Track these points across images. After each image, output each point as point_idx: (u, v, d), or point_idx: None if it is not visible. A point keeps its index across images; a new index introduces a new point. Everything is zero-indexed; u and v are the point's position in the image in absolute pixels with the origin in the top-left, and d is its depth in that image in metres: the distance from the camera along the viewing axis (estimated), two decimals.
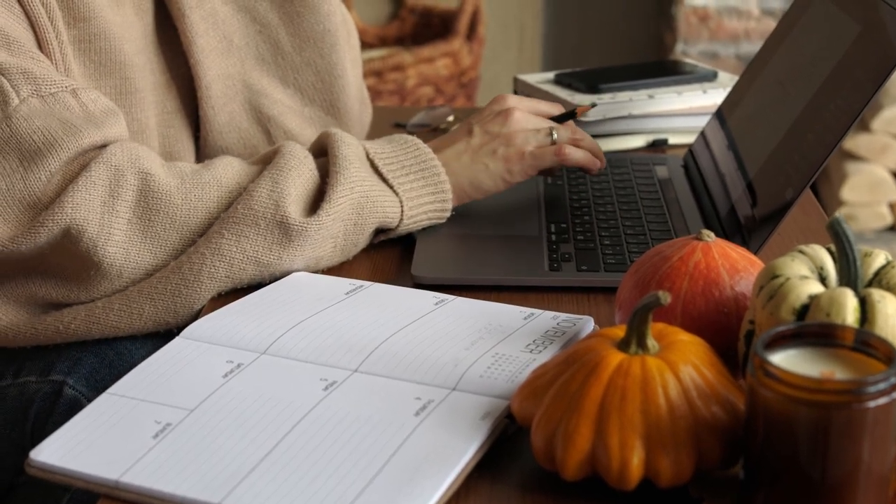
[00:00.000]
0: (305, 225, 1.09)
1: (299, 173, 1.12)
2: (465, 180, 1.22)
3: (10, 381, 1.17)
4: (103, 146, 1.10)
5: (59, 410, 1.16)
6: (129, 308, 1.11)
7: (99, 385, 1.10)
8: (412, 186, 1.18)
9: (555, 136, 1.23)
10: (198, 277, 1.08)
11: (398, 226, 1.17)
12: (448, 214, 1.20)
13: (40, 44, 1.13)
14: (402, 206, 1.16)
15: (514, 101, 1.25)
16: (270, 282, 1.10)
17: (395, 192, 1.16)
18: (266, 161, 1.15)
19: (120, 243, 1.08)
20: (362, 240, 1.16)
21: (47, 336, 1.13)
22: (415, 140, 1.20)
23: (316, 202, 1.13)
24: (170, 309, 1.10)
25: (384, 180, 1.17)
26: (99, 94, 1.12)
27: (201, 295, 1.09)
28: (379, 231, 1.19)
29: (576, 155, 1.24)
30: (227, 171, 1.13)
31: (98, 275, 1.09)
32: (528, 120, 1.23)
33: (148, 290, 1.10)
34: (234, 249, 1.08)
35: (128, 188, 1.08)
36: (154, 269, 1.10)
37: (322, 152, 1.18)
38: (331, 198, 1.11)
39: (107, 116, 1.11)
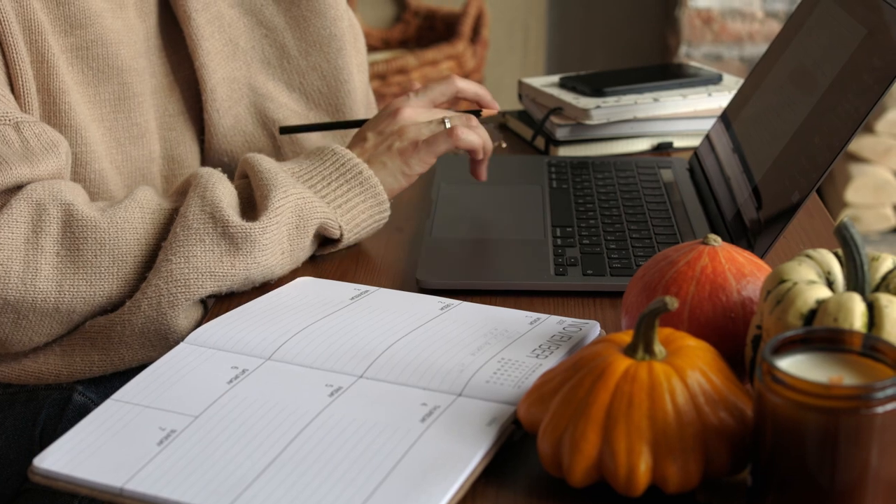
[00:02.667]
0: (249, 229, 1.08)
1: (224, 186, 1.11)
2: None
3: (19, 386, 1.17)
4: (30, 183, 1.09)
5: (67, 416, 1.16)
6: (107, 356, 1.11)
7: (109, 392, 1.10)
8: (343, 197, 1.17)
9: (447, 123, 1.22)
10: (159, 310, 1.08)
11: (342, 237, 1.17)
12: (387, 214, 1.20)
13: (7, 65, 1.12)
14: (337, 219, 1.16)
15: (403, 100, 1.25)
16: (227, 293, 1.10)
17: (326, 204, 1.16)
18: (183, 191, 1.14)
19: (50, 277, 1.07)
20: (307, 244, 1.15)
21: (39, 379, 1.14)
22: (332, 149, 1.19)
23: (250, 212, 1.13)
24: (147, 346, 1.11)
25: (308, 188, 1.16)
26: (46, 128, 1.11)
27: (172, 324, 1.09)
28: (326, 241, 1.19)
29: (469, 137, 1.22)
30: (146, 193, 1.12)
31: (35, 314, 1.08)
32: (418, 114, 1.23)
33: (118, 336, 1.10)
34: (187, 270, 1.07)
35: (51, 222, 1.07)
36: (94, 297, 1.08)
37: (243, 176, 1.18)
38: (269, 205, 1.10)
39: (47, 152, 1.10)
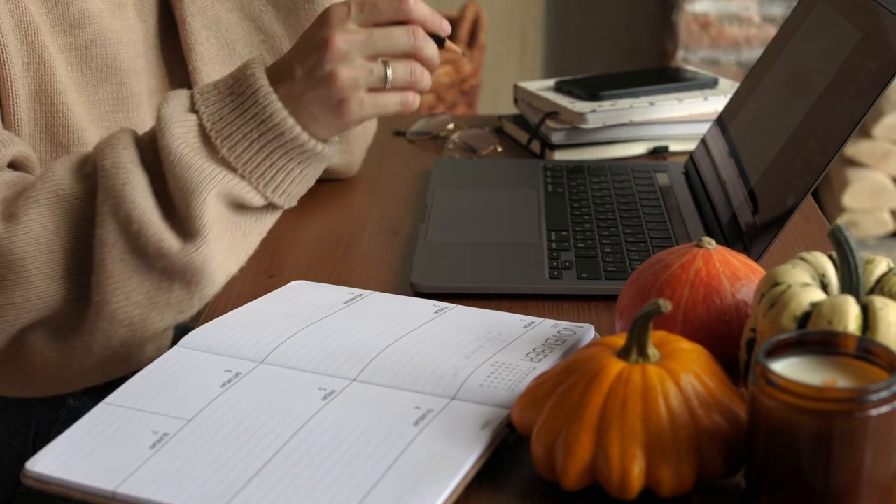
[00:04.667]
0: (187, 260, 0.98)
1: (137, 182, 0.98)
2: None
3: None
4: None
5: (61, 420, 1.16)
6: (75, 384, 1.09)
7: (102, 396, 1.10)
8: (266, 162, 1.01)
9: (390, 74, 1.00)
10: (114, 350, 1.03)
11: (269, 203, 1.04)
12: (322, 166, 1.05)
13: None
14: (267, 195, 1.02)
15: (336, 21, 0.99)
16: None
17: (242, 177, 1.01)
18: (91, 169, 1.01)
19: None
20: (251, 233, 1.04)
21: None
22: (254, 89, 1.00)
23: (169, 204, 1.00)
24: (115, 371, 1.07)
25: (226, 164, 1.01)
26: None
27: (135, 358, 1.04)
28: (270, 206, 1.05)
29: (416, 102, 1.04)
30: (57, 173, 1.01)
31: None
32: (353, 47, 0.99)
33: (79, 371, 1.06)
34: (130, 309, 1.00)
35: None
36: (21, 307, 1.00)
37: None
38: (196, 224, 0.98)
39: None
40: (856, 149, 2.99)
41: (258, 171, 1.01)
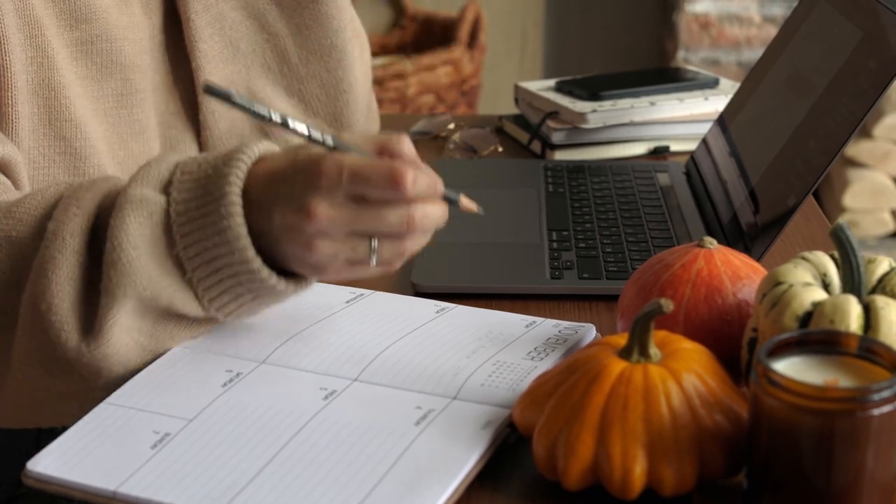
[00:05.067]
0: (86, 360, 0.91)
1: (64, 266, 0.90)
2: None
3: None
4: None
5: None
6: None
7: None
8: (227, 296, 0.91)
9: (374, 255, 0.90)
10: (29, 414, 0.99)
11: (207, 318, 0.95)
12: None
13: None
14: (200, 303, 0.92)
15: (326, 183, 0.87)
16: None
17: (188, 283, 0.91)
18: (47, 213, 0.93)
19: None
20: (179, 338, 0.96)
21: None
22: (227, 218, 0.88)
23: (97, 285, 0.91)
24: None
25: (178, 262, 0.90)
26: None
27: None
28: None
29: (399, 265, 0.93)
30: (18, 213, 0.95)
31: None
32: (334, 230, 0.88)
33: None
34: (36, 395, 0.96)
35: None
36: None
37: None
38: (103, 314, 0.89)
39: None
40: (856, 149, 2.99)
41: (206, 283, 0.90)
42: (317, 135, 0.89)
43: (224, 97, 0.89)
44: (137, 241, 0.89)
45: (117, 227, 0.89)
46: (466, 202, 0.93)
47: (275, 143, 0.96)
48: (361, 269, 0.91)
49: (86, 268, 0.91)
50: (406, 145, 0.90)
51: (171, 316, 0.93)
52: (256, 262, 0.89)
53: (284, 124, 0.89)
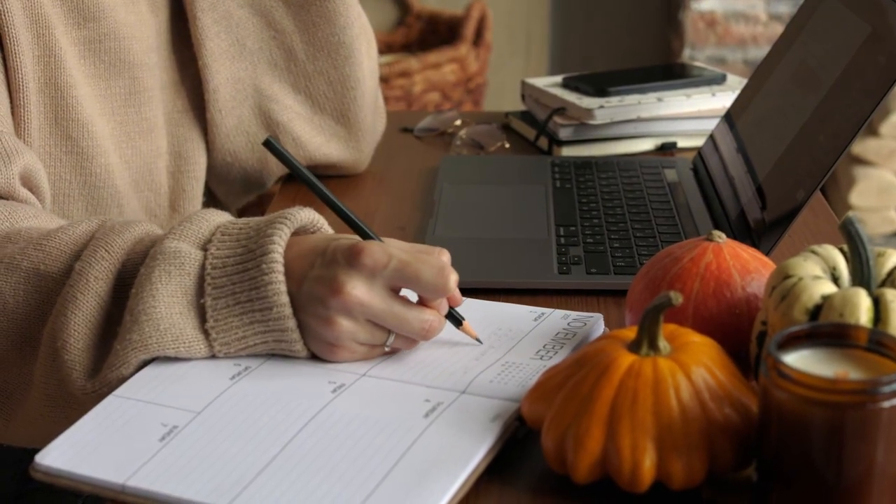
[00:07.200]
0: (86, 395, 0.92)
1: (83, 308, 0.92)
2: None
3: None
4: None
5: None
6: None
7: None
8: (240, 332, 0.92)
9: (389, 343, 0.92)
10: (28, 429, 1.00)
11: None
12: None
13: (6, 59, 1.09)
14: (210, 348, 0.92)
15: (369, 265, 0.89)
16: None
17: (204, 332, 0.92)
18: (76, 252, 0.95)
19: None
20: None
21: None
22: (267, 277, 0.90)
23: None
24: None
25: (200, 313, 0.92)
26: (6, 137, 1.04)
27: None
28: None
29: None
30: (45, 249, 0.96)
31: None
32: (360, 314, 0.90)
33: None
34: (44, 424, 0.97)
35: None
36: None
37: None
38: (113, 363, 0.91)
39: None
40: (862, 147, 2.98)
41: (225, 337, 0.91)
42: (364, 227, 0.94)
43: (282, 158, 0.95)
44: (163, 293, 0.91)
45: (146, 276, 0.91)
46: (468, 328, 0.96)
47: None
48: (372, 353, 0.93)
49: (108, 312, 0.93)
50: (447, 259, 0.93)
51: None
52: (291, 322, 0.90)
53: (337, 210, 0.95)
